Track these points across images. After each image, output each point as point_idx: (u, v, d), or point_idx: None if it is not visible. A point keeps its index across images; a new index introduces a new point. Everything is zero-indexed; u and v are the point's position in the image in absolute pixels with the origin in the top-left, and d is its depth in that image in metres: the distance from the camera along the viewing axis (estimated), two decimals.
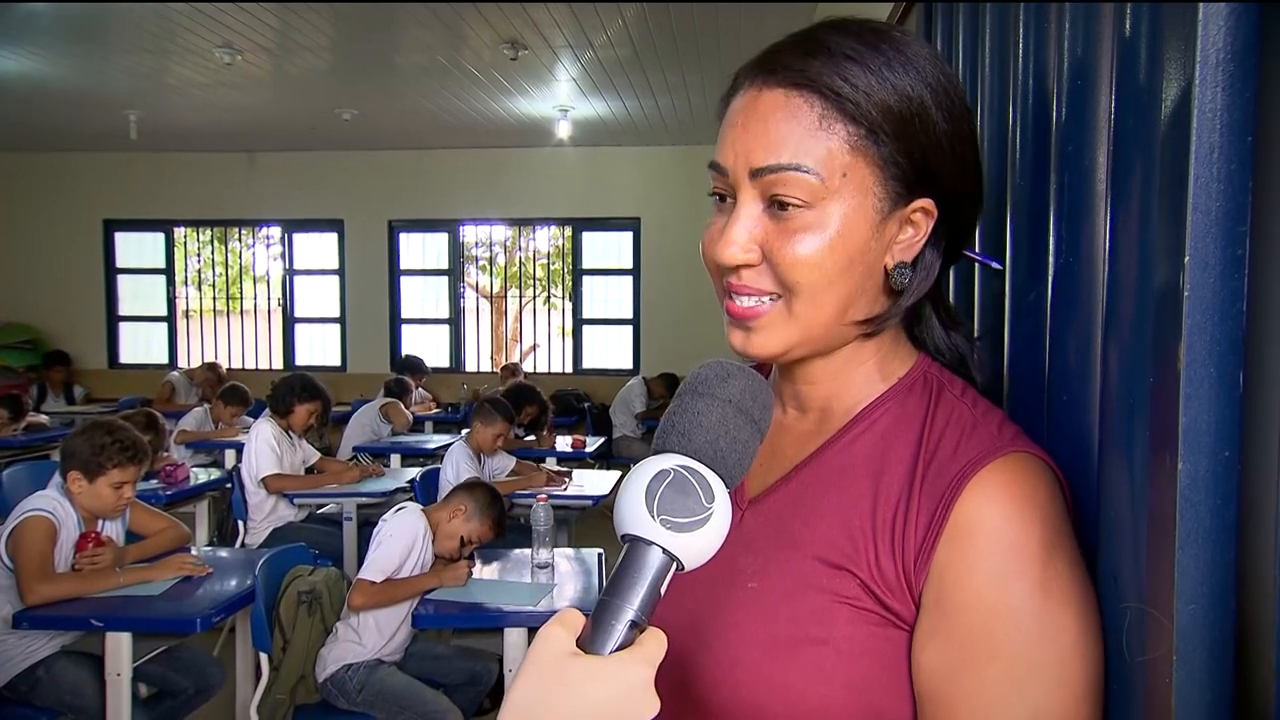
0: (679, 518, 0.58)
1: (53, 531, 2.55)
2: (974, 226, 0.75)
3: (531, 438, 5.38)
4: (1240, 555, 0.55)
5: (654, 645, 0.57)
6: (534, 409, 5.19)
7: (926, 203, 0.69)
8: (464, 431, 4.46)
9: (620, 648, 0.56)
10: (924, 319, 0.78)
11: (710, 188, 0.71)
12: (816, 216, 0.65)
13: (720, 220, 0.70)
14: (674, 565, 0.58)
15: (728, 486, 0.61)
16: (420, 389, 7.28)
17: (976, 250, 0.90)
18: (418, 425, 6.97)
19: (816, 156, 0.65)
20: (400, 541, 2.68)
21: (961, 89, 0.70)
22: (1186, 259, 0.53)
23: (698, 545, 0.58)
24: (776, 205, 0.66)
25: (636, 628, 0.57)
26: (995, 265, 0.89)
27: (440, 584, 2.69)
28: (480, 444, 4.14)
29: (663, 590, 0.58)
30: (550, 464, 4.96)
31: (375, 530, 2.77)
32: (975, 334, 0.95)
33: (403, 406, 6.04)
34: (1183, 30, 0.53)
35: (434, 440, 6.04)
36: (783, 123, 0.65)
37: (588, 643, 0.56)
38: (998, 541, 0.63)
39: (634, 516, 0.58)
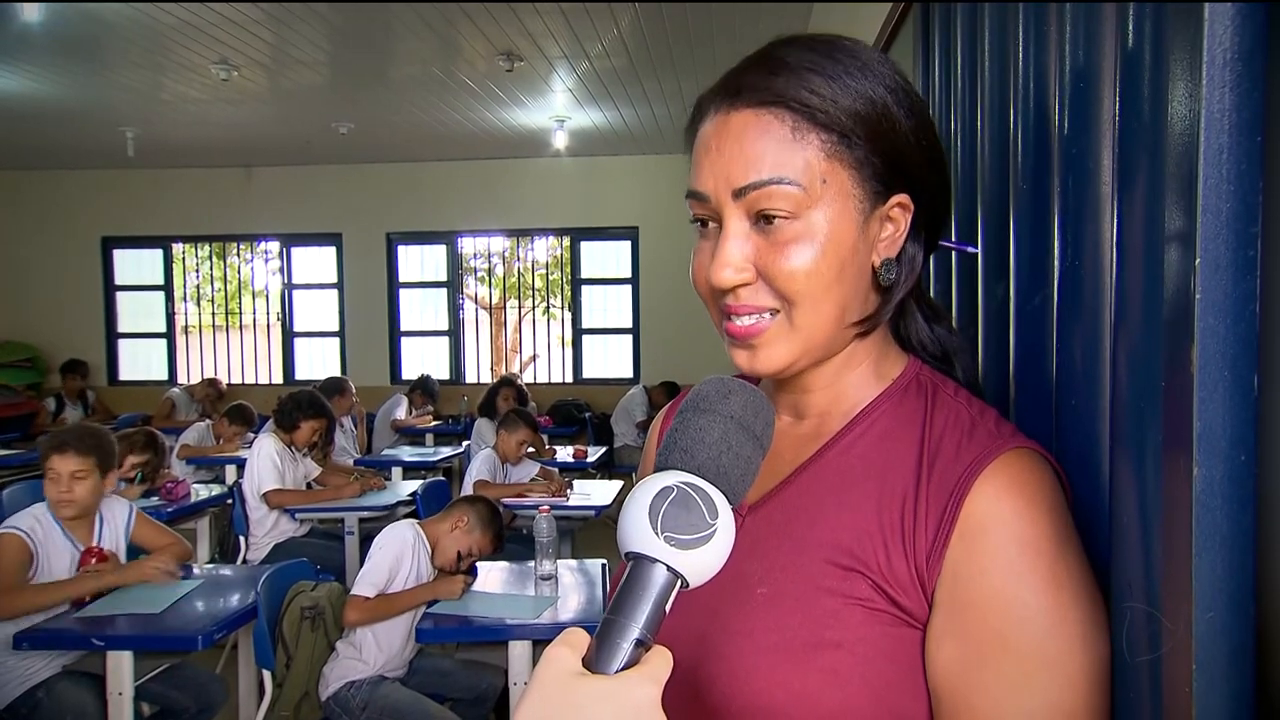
0: (683, 534, 0.57)
1: (23, 548, 2.56)
2: (947, 216, 0.77)
3: (531, 449, 5.38)
4: (1255, 559, 0.54)
5: (660, 663, 0.56)
6: (510, 390, 5.79)
7: (903, 198, 0.70)
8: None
9: (626, 666, 0.55)
10: (908, 313, 0.79)
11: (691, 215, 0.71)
12: (804, 226, 0.66)
13: (707, 246, 0.70)
14: (679, 583, 0.58)
15: (731, 502, 0.61)
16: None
17: (952, 240, 0.90)
18: (419, 437, 6.94)
19: (795, 168, 0.66)
20: (389, 552, 2.66)
21: (914, 87, 0.71)
22: (1197, 261, 0.52)
23: (702, 562, 0.58)
24: (763, 220, 0.67)
25: (642, 646, 0.56)
26: (970, 250, 0.89)
27: (435, 596, 2.66)
28: (505, 452, 4.44)
29: (668, 608, 0.58)
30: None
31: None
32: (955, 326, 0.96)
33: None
34: (1188, 30, 0.53)
35: (439, 452, 6.01)
36: (757, 140, 0.66)
37: (593, 662, 0.56)
38: (1009, 537, 0.63)
39: (638, 534, 0.58)
